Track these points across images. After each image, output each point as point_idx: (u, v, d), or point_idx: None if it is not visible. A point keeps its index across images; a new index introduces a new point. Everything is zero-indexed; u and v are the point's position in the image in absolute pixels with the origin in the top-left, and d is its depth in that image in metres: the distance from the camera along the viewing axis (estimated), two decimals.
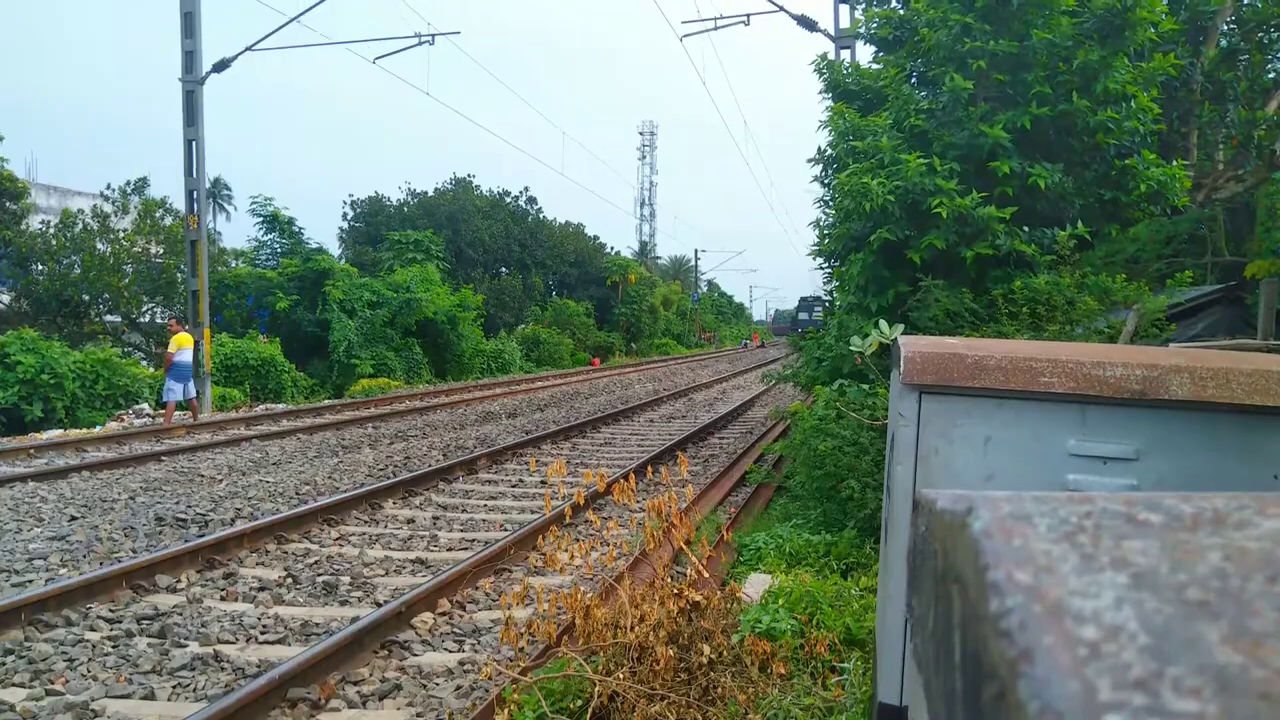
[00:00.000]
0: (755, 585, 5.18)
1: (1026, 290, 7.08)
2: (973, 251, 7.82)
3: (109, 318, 23.04)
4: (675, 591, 3.85)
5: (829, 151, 10.02)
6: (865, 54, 12.86)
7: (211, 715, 3.90)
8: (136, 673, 4.80)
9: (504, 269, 41.81)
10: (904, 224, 8.12)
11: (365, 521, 8.47)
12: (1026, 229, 8.21)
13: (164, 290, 23.00)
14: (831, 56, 11.35)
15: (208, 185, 19.07)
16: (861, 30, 11.02)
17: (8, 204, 21.79)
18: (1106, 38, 8.31)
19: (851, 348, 4.68)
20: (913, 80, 9.86)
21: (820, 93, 10.45)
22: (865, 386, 7.08)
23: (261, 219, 26.56)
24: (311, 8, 17.19)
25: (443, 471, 10.60)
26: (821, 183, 10.79)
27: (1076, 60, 8.15)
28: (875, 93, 9.81)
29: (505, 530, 8.11)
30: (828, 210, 10.43)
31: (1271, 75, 12.42)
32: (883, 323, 4.54)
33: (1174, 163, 8.81)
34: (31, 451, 11.94)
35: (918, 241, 8.05)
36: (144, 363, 20.45)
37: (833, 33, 15.94)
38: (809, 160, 10.52)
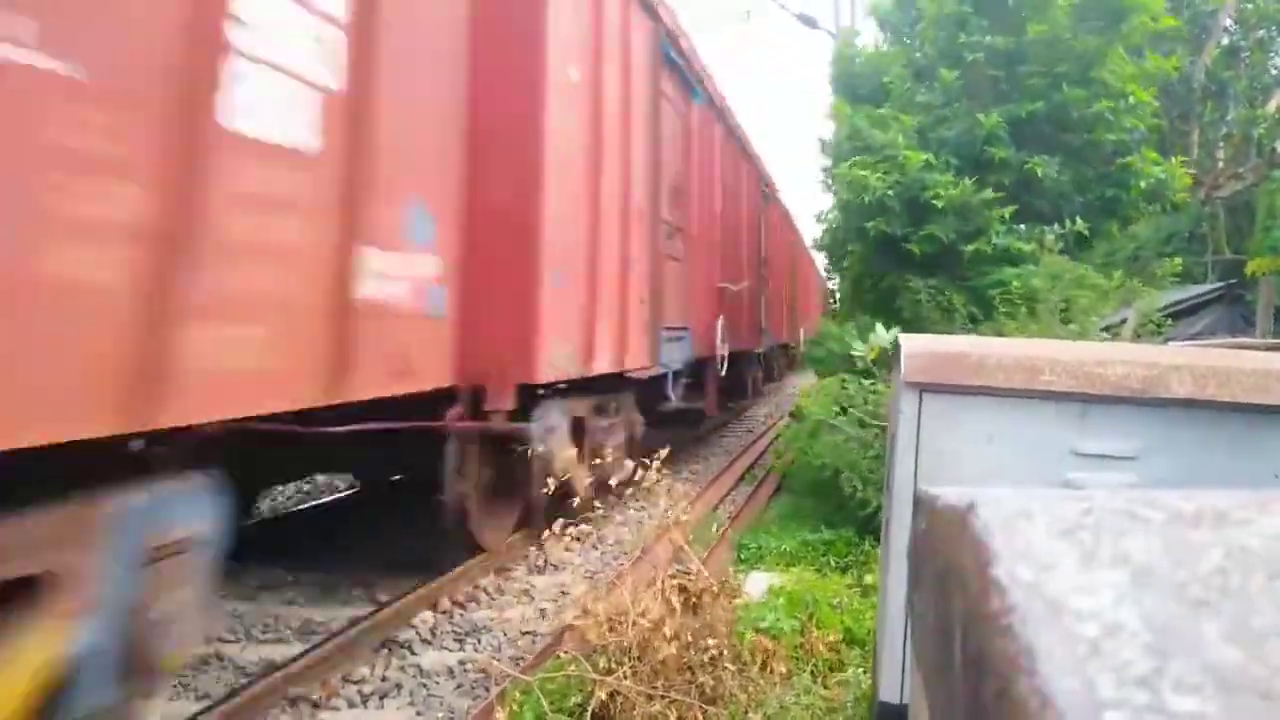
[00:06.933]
0: (755, 583, 5.19)
1: (1023, 288, 7.08)
2: (972, 247, 7.84)
3: None
4: (676, 589, 3.86)
5: (836, 144, 10.14)
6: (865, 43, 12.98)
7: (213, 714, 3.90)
8: None
9: None
10: (903, 218, 8.16)
11: None
12: (1023, 226, 8.23)
13: None
14: (834, 54, 11.46)
15: None
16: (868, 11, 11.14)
17: None
18: (1104, 27, 8.30)
19: (854, 351, 4.69)
20: (913, 73, 9.89)
21: (830, 82, 10.58)
22: (867, 382, 7.10)
23: None
24: None
25: None
26: (829, 177, 10.92)
27: (1074, 49, 8.16)
28: (883, 85, 9.86)
29: None
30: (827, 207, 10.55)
31: (1273, 73, 12.43)
32: (879, 327, 4.55)
33: (1173, 159, 8.82)
34: None
35: (916, 235, 8.09)
36: None
37: (834, 30, 15.98)
38: (821, 154, 10.70)
